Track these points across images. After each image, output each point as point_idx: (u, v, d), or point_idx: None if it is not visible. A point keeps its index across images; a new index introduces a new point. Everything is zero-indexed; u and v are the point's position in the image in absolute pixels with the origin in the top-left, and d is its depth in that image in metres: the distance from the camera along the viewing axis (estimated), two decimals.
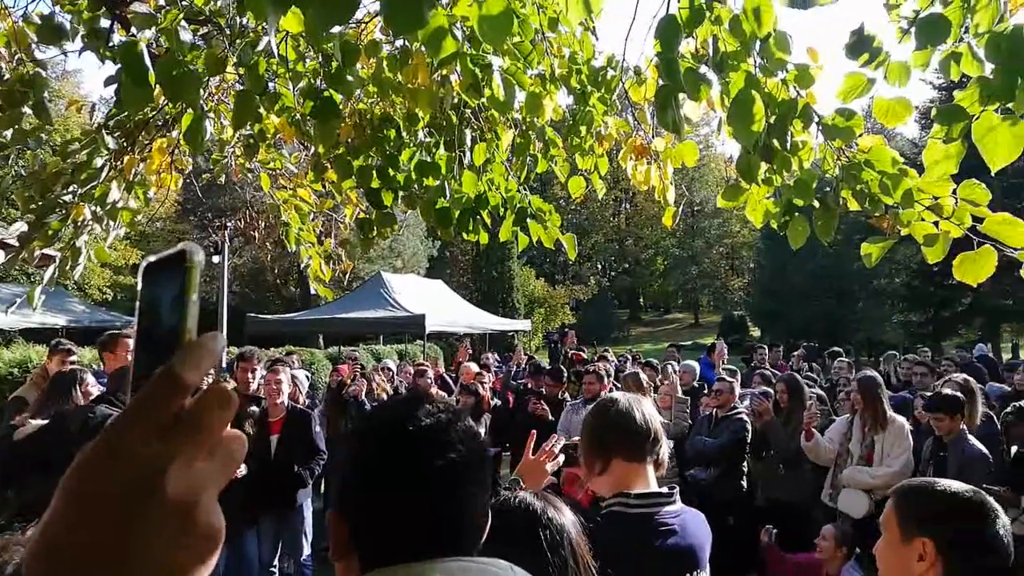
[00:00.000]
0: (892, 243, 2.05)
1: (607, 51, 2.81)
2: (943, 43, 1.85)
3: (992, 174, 1.78)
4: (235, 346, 16.88)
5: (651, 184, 2.79)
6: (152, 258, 0.48)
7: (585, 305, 39.93)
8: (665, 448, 2.03)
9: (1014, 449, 4.38)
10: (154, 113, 3.31)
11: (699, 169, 47.75)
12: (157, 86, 1.91)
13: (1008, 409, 4.68)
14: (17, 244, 2.74)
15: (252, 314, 16.57)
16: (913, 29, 1.85)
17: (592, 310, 40.81)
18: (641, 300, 55.46)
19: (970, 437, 4.46)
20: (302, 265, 3.88)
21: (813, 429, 5.03)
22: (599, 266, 54.07)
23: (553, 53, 2.74)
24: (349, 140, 2.93)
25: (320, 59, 2.54)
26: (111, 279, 28.98)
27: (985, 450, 4.40)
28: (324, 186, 3.79)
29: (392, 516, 0.98)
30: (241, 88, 2.43)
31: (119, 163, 3.18)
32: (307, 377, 7.36)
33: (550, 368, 7.98)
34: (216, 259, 15.26)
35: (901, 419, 4.95)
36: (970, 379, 5.31)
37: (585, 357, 10.28)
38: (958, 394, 4.67)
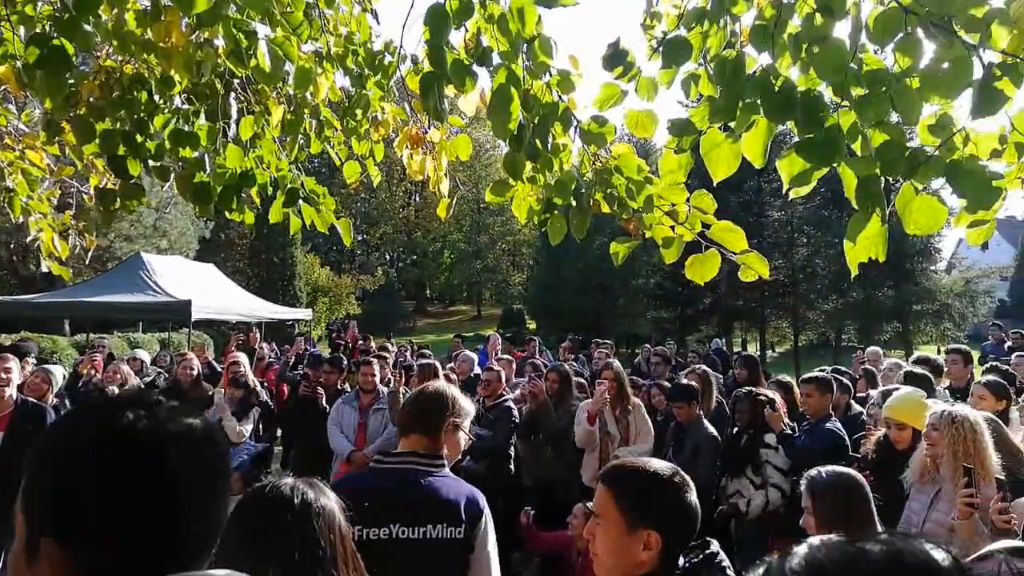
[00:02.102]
0: (636, 244, 2.25)
1: (386, 36, 2.77)
2: (685, 64, 2.06)
3: (715, 185, 2.03)
4: None
5: (425, 175, 2.80)
6: None
7: (372, 295, 39.34)
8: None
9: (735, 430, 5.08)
10: None
11: (486, 168, 49.18)
12: None
13: (737, 393, 5.39)
14: None
15: None
16: (661, 49, 2.04)
17: (379, 300, 40.36)
18: (428, 292, 55.97)
19: (705, 422, 5.09)
20: (28, 239, 3.36)
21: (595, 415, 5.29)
22: (387, 256, 53.62)
23: (330, 31, 2.64)
24: (92, 99, 2.59)
25: (58, 5, 2.22)
26: None
27: (715, 432, 5.06)
28: (64, 151, 3.32)
29: (81, 529, 0.84)
30: None
31: None
32: (64, 376, 6.32)
33: (330, 356, 7.78)
34: None
35: (638, 400, 5.52)
36: (708, 370, 6.07)
37: (370, 347, 10.15)
38: (693, 384, 5.30)
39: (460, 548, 2.12)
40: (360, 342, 12.60)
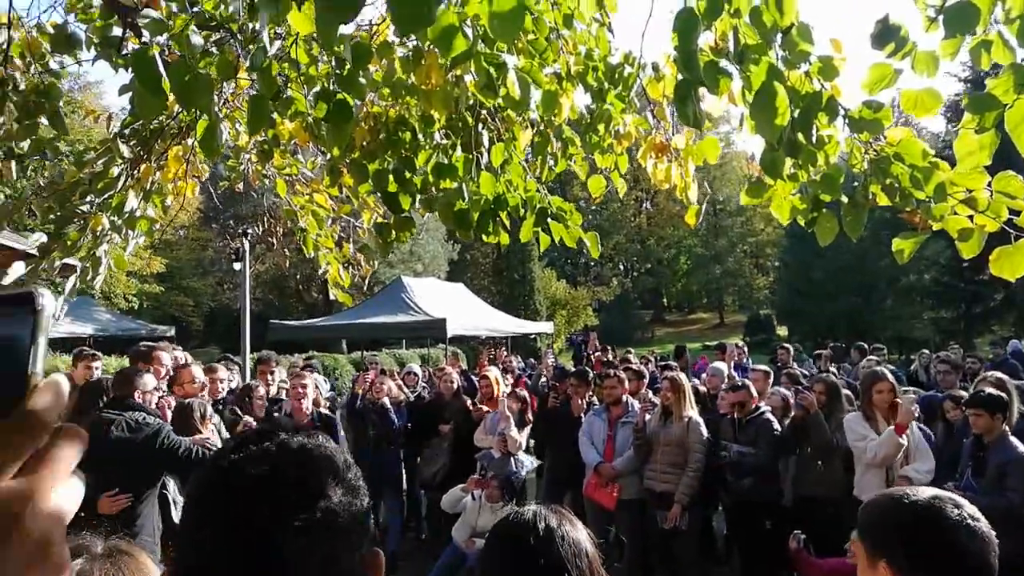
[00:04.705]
0: (924, 238, 1.97)
1: (624, 48, 2.76)
2: (972, 31, 1.77)
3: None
4: (257, 352, 17.10)
5: (672, 183, 2.73)
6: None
7: (608, 306, 39.70)
8: None
9: None
10: (169, 121, 3.33)
11: (720, 167, 47.30)
12: (171, 94, 1.90)
13: None
14: (37, 255, 2.75)
15: (275, 320, 16.66)
16: (941, 17, 1.78)
17: (615, 311, 40.60)
18: (664, 300, 55.03)
19: (1012, 439, 4.31)
20: (320, 271, 3.86)
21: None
22: (621, 267, 53.74)
23: (568, 51, 2.69)
24: (364, 144, 2.91)
25: (333, 63, 2.53)
26: (137, 288, 29.35)
27: None
28: (341, 191, 3.78)
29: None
30: (255, 93, 2.42)
31: (135, 172, 3.19)
32: (325, 381, 7.32)
33: (575, 369, 7.91)
34: (237, 266, 15.39)
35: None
36: (1006, 377, 5.16)
37: (609, 359, 10.20)
38: (1001, 394, 4.52)
39: None
40: (598, 352, 12.71)
